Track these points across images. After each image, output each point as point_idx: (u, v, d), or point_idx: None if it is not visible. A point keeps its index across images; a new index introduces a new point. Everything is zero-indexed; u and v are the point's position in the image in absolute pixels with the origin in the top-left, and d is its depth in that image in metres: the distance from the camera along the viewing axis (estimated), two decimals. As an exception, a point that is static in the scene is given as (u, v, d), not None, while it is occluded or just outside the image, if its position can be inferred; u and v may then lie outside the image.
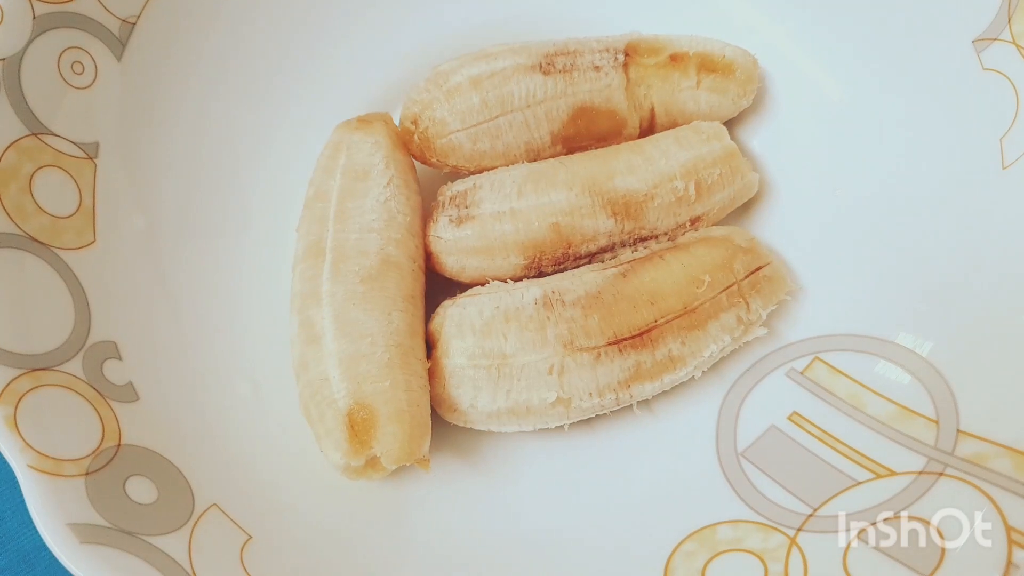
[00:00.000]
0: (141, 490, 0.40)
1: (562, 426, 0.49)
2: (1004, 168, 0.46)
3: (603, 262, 0.52)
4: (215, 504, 0.42)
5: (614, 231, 0.50)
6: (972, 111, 0.47)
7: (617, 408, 0.48)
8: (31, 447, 0.38)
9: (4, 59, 0.44)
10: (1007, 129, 0.46)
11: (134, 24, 0.50)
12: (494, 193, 0.50)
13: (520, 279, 0.51)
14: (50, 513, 0.37)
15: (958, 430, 0.42)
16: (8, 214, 0.43)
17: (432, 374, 0.48)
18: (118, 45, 0.49)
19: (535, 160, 0.54)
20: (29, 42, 0.45)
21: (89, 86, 0.48)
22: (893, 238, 0.50)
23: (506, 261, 0.50)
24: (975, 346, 0.44)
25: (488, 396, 0.46)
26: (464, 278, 0.52)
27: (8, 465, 0.49)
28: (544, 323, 0.47)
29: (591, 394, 0.47)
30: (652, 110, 0.54)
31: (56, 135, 0.46)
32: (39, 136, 0.45)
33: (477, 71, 0.51)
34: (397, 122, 0.54)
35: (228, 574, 0.40)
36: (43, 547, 0.47)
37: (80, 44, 0.47)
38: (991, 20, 0.47)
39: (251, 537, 0.42)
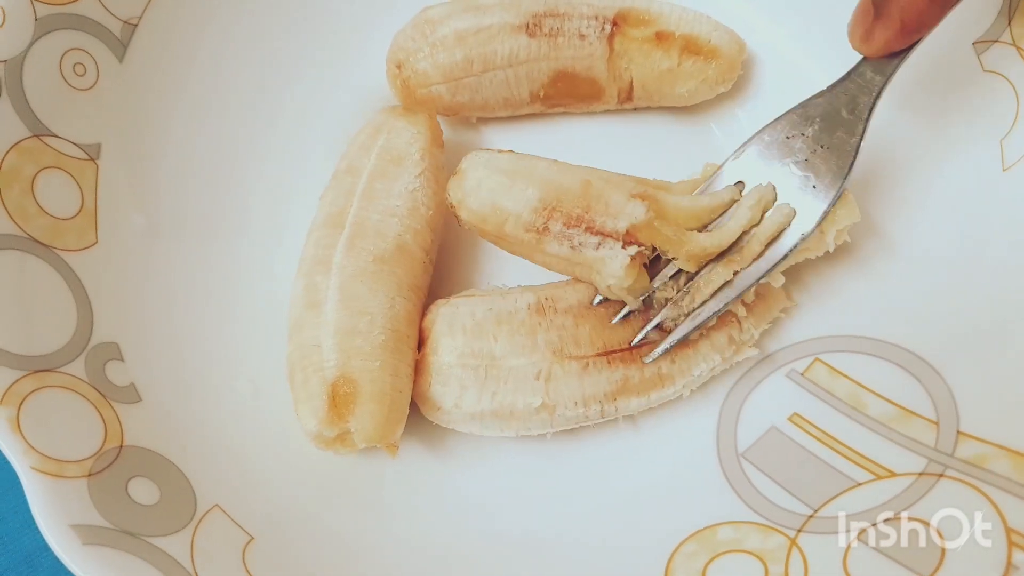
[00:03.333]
0: (143, 491, 0.40)
1: (544, 435, 0.48)
2: (1004, 170, 0.46)
3: None
4: (217, 505, 0.42)
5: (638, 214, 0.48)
6: (972, 113, 0.48)
7: (601, 421, 0.48)
8: (34, 449, 0.38)
9: (6, 61, 0.44)
10: (1008, 131, 0.46)
11: (135, 26, 0.50)
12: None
13: (531, 231, 0.47)
14: (53, 514, 0.37)
15: (958, 431, 0.42)
16: (10, 216, 0.43)
17: (419, 370, 0.48)
18: (119, 46, 0.49)
19: (512, 113, 0.56)
20: (31, 44, 0.45)
21: (91, 87, 0.48)
22: (892, 238, 0.50)
23: (523, 193, 0.47)
24: (975, 348, 0.44)
25: (473, 396, 0.46)
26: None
27: (9, 466, 0.50)
28: (535, 328, 0.47)
29: (576, 403, 0.47)
30: (631, 83, 0.55)
31: (58, 136, 0.46)
32: (41, 138, 0.45)
33: (464, 25, 0.52)
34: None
35: (230, 575, 0.40)
36: (45, 548, 0.47)
37: (82, 46, 0.47)
38: (991, 22, 0.47)
39: (253, 538, 0.42)
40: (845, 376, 0.47)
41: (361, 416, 0.44)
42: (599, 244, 0.46)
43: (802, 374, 0.48)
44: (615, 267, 0.45)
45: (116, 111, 0.49)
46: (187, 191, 0.52)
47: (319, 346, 0.45)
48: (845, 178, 0.46)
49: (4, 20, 0.44)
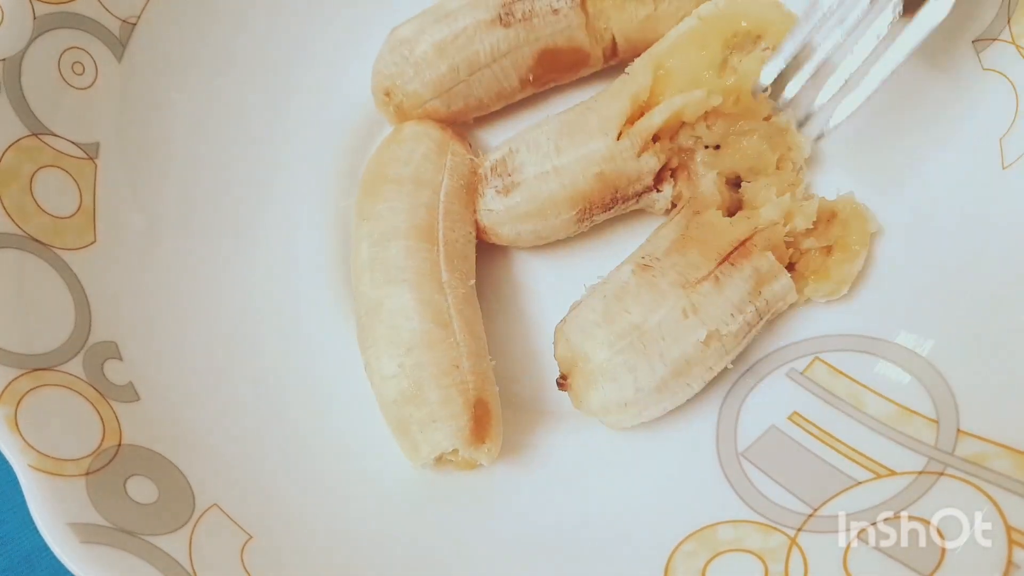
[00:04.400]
0: (142, 490, 0.40)
1: (724, 367, 0.48)
2: (1004, 168, 0.46)
3: (667, 213, 0.53)
4: (216, 504, 0.42)
5: (657, 166, 0.51)
6: (972, 111, 0.48)
7: (763, 324, 0.48)
8: (32, 447, 0.38)
9: (4, 59, 0.44)
10: (1007, 129, 0.46)
11: (134, 24, 0.50)
12: (532, 155, 0.51)
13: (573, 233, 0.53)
14: (51, 513, 0.37)
15: (958, 430, 0.42)
16: (9, 214, 0.42)
17: (579, 394, 0.48)
18: (118, 45, 0.49)
19: (507, 103, 0.56)
20: (29, 42, 0.45)
21: (89, 86, 0.48)
22: (892, 238, 0.50)
23: (558, 219, 0.51)
24: (975, 346, 0.44)
25: (646, 370, 0.46)
26: (521, 244, 0.54)
27: (8, 467, 0.49)
28: (652, 281, 0.47)
29: (732, 314, 0.46)
30: (613, 40, 0.55)
31: (56, 135, 0.46)
32: (39, 136, 0.45)
33: (440, 36, 0.52)
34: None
35: (229, 574, 0.40)
36: (44, 548, 0.47)
37: (80, 44, 0.47)
38: (990, 20, 0.47)
39: (252, 537, 0.42)
40: (845, 375, 0.47)
41: (494, 438, 0.46)
42: (638, 199, 0.52)
43: (802, 373, 0.48)
44: (662, 206, 0.51)
45: (115, 110, 0.49)
46: (186, 191, 0.52)
47: (458, 366, 0.45)
48: None
49: (3, 18, 0.44)
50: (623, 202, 0.52)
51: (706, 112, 0.50)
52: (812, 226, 0.50)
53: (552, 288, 0.55)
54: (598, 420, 0.49)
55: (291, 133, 0.57)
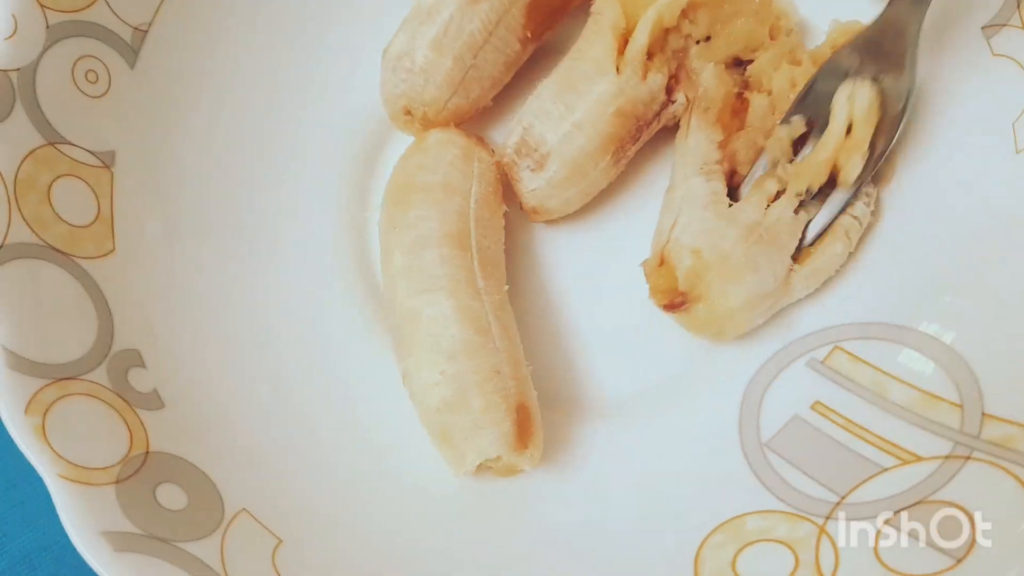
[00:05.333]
0: (171, 496, 0.40)
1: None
2: (1017, 152, 0.46)
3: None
4: (244, 509, 0.42)
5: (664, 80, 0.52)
6: (983, 97, 0.48)
7: None
8: (61, 457, 0.38)
9: (19, 69, 0.44)
10: (1019, 114, 0.46)
11: (146, 32, 0.50)
12: (547, 122, 0.51)
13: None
14: (83, 522, 0.37)
15: (983, 413, 0.42)
16: (28, 224, 0.42)
17: (717, 299, 0.48)
18: (131, 53, 0.49)
19: (516, 70, 0.56)
20: (43, 52, 0.45)
21: (103, 95, 0.48)
22: (908, 225, 0.50)
23: (598, 166, 0.52)
24: (996, 330, 0.44)
25: (778, 261, 0.48)
26: (572, 208, 0.54)
27: (7, 467, 0.49)
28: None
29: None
30: None
31: (72, 144, 0.46)
32: (56, 146, 0.45)
33: (432, 35, 0.51)
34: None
35: (262, 577, 0.40)
36: (44, 548, 0.48)
37: (93, 53, 0.47)
38: (1000, 6, 0.47)
39: (281, 541, 0.42)
40: (866, 363, 0.47)
41: (536, 443, 0.46)
42: (659, 118, 0.53)
43: (822, 362, 0.48)
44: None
45: (129, 118, 0.49)
46: (203, 197, 0.52)
47: (500, 372, 0.45)
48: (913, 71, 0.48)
49: (16, 29, 0.44)
50: (647, 127, 0.53)
51: (684, 10, 0.51)
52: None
53: (581, 288, 0.55)
54: (712, 334, 0.49)
55: (305, 137, 0.57)
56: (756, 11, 0.52)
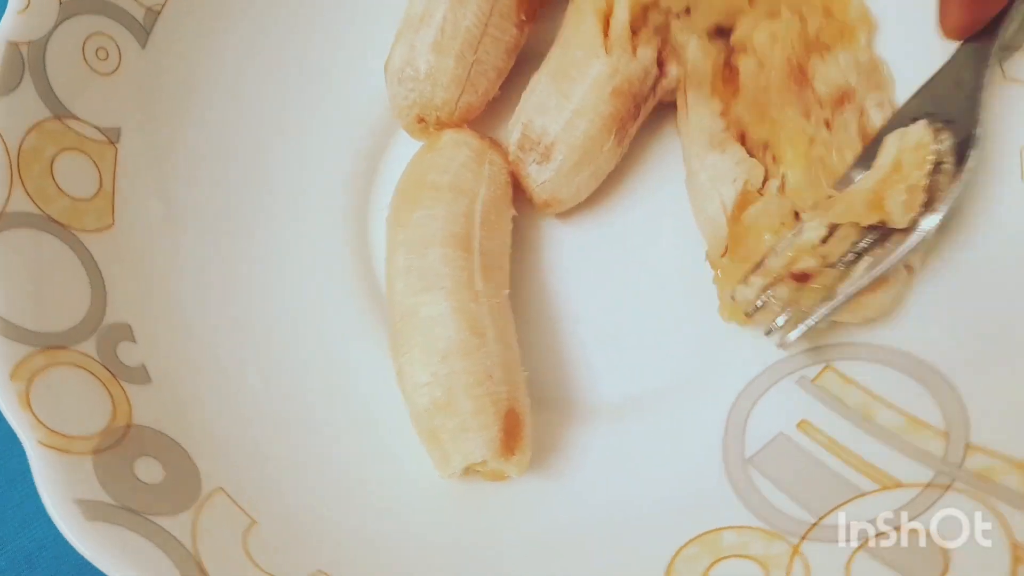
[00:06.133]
0: (149, 470, 0.41)
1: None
2: (1023, 178, 0.45)
3: None
4: (221, 488, 0.43)
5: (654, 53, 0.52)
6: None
7: None
8: (42, 424, 0.38)
9: (30, 42, 0.44)
10: (1029, 140, 0.46)
11: (159, 12, 0.51)
12: (546, 114, 0.52)
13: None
14: (57, 489, 0.37)
15: (967, 443, 0.41)
16: (29, 195, 0.43)
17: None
18: (142, 32, 0.50)
19: (516, 55, 0.56)
20: (55, 27, 0.45)
21: (113, 72, 0.48)
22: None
23: (603, 148, 0.52)
24: (988, 359, 0.43)
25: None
26: (584, 194, 0.54)
27: (6, 466, 0.50)
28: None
29: None
30: None
31: (79, 119, 0.46)
32: (62, 119, 0.45)
33: (430, 39, 0.51)
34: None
35: (231, 557, 0.40)
36: (44, 547, 0.48)
37: (105, 30, 0.48)
38: (1014, 30, 0.46)
39: (255, 522, 0.43)
40: (856, 384, 0.47)
41: (524, 450, 0.45)
42: (654, 93, 0.53)
43: (812, 381, 0.48)
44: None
45: (137, 96, 0.50)
46: (205, 179, 0.53)
47: (491, 376, 0.45)
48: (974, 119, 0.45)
49: (29, 3, 0.44)
50: (644, 102, 0.53)
51: None
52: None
53: (583, 294, 0.55)
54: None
55: (314, 125, 0.57)
56: None
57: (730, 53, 0.53)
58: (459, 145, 0.52)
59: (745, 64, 0.52)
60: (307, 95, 0.57)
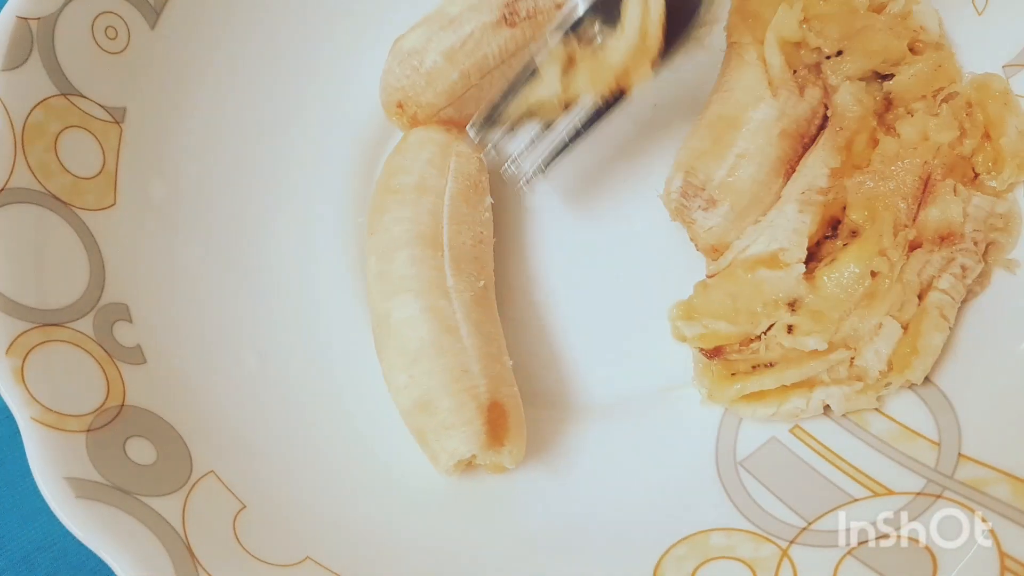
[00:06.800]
0: (141, 451, 0.41)
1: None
2: None
3: None
4: (212, 471, 0.43)
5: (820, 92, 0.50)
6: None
7: None
8: (35, 400, 0.38)
9: (39, 18, 0.44)
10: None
11: (170, -6, 0.51)
12: (708, 160, 0.49)
13: None
14: (49, 466, 0.37)
15: (959, 454, 0.41)
16: (32, 170, 0.43)
17: None
18: (152, 14, 0.50)
19: None
20: (65, 4, 0.46)
21: (121, 52, 0.48)
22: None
23: (771, 192, 0.49)
24: (982, 370, 0.43)
25: None
26: (732, 237, 0.50)
27: (6, 466, 0.50)
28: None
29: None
30: None
31: (84, 97, 0.46)
32: (68, 97, 0.45)
33: (449, 44, 0.51)
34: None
35: (220, 539, 0.40)
36: (43, 548, 0.48)
37: (115, 10, 0.48)
38: (1022, 46, 0.47)
39: (245, 506, 0.42)
40: (850, 392, 0.47)
41: (514, 440, 0.45)
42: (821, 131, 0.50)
43: (807, 387, 0.48)
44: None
45: (144, 77, 0.50)
46: (208, 162, 0.53)
47: (468, 371, 0.45)
48: None
49: (40, -21, 0.44)
50: (812, 141, 0.49)
51: (808, 22, 0.49)
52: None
53: (568, 285, 0.55)
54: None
55: (317, 112, 0.57)
56: (890, 25, 0.49)
57: (886, 104, 0.50)
58: (423, 143, 0.52)
59: (886, 144, 0.48)
60: (312, 84, 0.57)
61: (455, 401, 0.44)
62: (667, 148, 0.54)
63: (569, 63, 0.48)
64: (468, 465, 0.46)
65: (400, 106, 0.53)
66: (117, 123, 0.48)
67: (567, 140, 0.49)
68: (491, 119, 0.50)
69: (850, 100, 0.48)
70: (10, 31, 0.43)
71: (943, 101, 0.48)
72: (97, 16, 0.47)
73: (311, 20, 0.57)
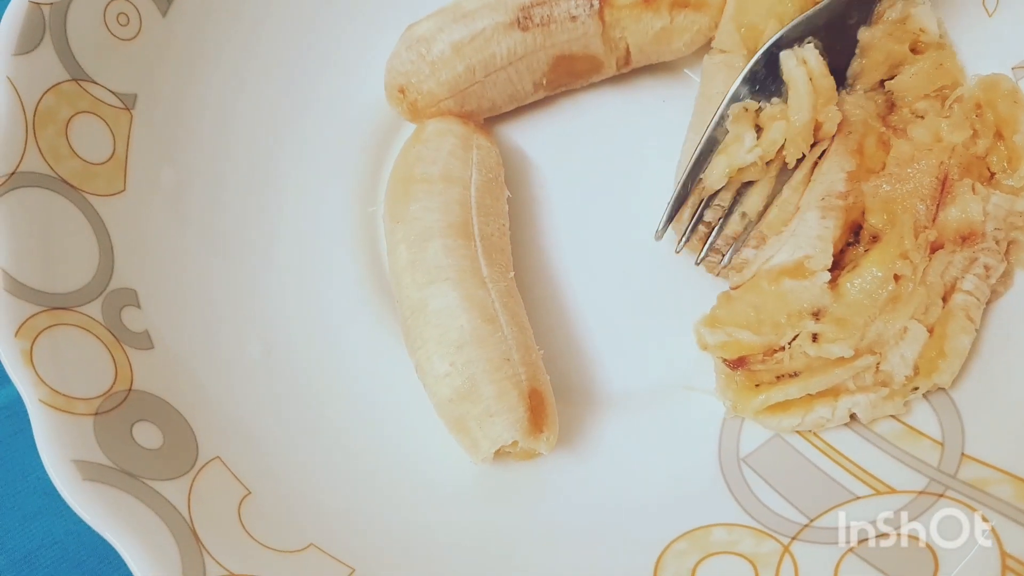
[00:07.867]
0: (147, 435, 0.41)
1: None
2: None
3: None
4: (218, 457, 0.43)
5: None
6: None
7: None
8: (44, 382, 0.38)
9: (52, 4, 0.44)
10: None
11: (182, -19, 0.51)
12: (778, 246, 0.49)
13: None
14: (56, 448, 0.37)
15: (962, 454, 0.42)
16: (43, 155, 0.43)
17: None
18: (164, 1, 0.50)
19: (518, 105, 0.56)
20: (78, -10, 0.46)
21: (133, 38, 0.48)
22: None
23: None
24: (986, 372, 0.43)
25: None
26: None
27: (5, 466, 0.50)
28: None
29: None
30: (627, 49, 0.55)
31: (96, 83, 0.46)
32: (79, 82, 0.46)
33: (459, 36, 0.52)
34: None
35: (225, 524, 0.40)
36: (44, 547, 0.48)
37: (128, -4, 0.48)
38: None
39: (250, 492, 0.43)
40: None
41: (551, 426, 0.46)
42: None
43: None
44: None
45: (155, 64, 0.50)
46: (217, 149, 0.53)
47: (509, 360, 0.45)
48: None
49: (53, -35, 0.45)
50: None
51: None
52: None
53: (580, 281, 0.55)
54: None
55: (327, 102, 0.57)
56: (889, 31, 0.50)
57: (889, 105, 0.50)
58: (444, 134, 0.52)
59: (899, 147, 0.48)
60: (323, 72, 0.58)
61: (498, 389, 0.45)
62: (679, 142, 0.54)
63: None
64: (500, 453, 0.46)
65: (402, 91, 0.53)
66: (128, 109, 0.48)
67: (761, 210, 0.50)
68: (677, 209, 0.50)
69: (850, 106, 0.49)
70: (23, 16, 0.43)
71: (954, 102, 0.48)
72: (109, 2, 0.47)
73: (323, 8, 0.57)
